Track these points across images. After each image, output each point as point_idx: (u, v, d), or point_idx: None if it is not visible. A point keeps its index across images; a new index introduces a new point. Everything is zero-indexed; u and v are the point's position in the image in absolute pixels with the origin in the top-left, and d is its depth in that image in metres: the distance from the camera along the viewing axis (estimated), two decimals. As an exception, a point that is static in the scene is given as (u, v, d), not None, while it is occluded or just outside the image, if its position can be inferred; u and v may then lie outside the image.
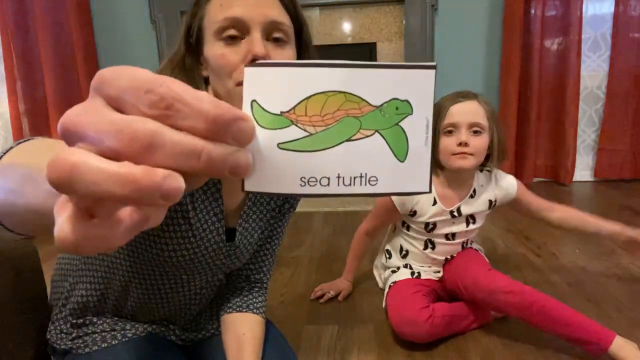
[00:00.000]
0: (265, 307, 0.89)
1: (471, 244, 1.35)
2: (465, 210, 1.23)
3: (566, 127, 2.59)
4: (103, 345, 0.80)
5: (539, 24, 2.53)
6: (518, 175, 2.70)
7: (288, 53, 0.67)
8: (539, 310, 1.07)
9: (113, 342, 0.81)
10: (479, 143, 1.13)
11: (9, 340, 0.87)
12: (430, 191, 0.29)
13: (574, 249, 1.73)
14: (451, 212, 1.23)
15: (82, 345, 0.81)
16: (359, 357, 1.11)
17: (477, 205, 1.24)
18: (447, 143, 1.13)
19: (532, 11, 2.53)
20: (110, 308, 0.83)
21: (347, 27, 2.67)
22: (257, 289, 0.89)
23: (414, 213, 1.23)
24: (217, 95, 0.67)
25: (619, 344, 1.02)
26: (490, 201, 1.25)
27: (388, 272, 1.36)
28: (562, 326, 1.06)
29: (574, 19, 2.50)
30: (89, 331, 0.83)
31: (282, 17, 0.66)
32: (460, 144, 1.11)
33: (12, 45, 2.69)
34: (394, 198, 1.24)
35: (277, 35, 0.66)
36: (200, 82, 0.69)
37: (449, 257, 1.29)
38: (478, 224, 1.26)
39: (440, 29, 2.64)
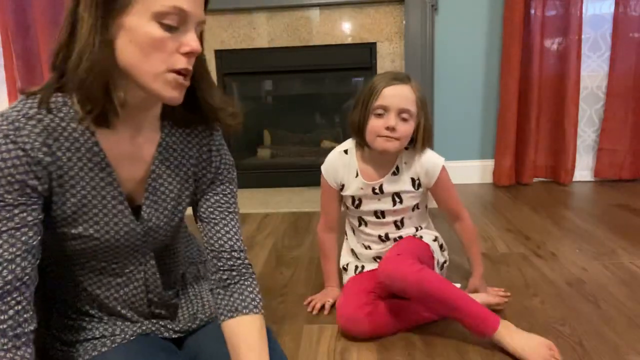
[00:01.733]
0: (258, 297, 0.87)
1: (420, 229, 1.33)
2: (388, 188, 1.24)
3: (566, 127, 2.59)
4: (94, 354, 0.81)
5: (539, 24, 2.53)
6: (518, 175, 2.70)
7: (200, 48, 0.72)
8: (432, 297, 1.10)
9: (103, 350, 0.82)
10: (406, 129, 1.16)
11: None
12: None
13: (574, 249, 1.73)
14: (373, 189, 1.25)
15: (74, 353, 0.82)
16: (359, 357, 1.11)
17: (400, 184, 1.25)
18: (376, 124, 1.17)
19: (532, 11, 2.53)
20: (86, 306, 0.85)
21: (347, 27, 2.67)
22: (239, 277, 0.87)
23: (342, 187, 1.29)
24: (131, 71, 0.68)
25: (501, 333, 1.08)
26: (413, 179, 1.25)
27: (343, 273, 1.40)
28: (451, 310, 1.10)
29: (574, 19, 2.50)
30: (81, 338, 0.83)
31: (204, 17, 0.72)
32: (388, 128, 1.15)
33: (12, 45, 2.69)
34: (324, 174, 1.30)
35: (197, 33, 0.72)
36: (110, 54, 0.67)
37: (382, 234, 1.30)
38: (406, 204, 1.26)
39: (440, 29, 2.63)
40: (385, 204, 1.27)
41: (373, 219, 1.29)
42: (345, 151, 1.29)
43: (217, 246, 0.86)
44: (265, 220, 2.23)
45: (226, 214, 0.87)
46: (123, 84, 0.70)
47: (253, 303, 0.85)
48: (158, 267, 0.88)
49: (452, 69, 2.68)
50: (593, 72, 2.68)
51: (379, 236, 1.31)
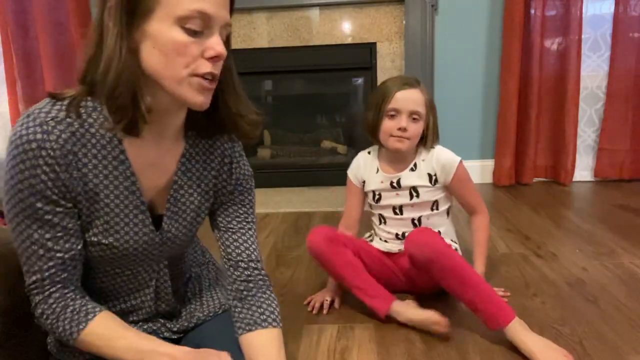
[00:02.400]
0: (276, 309, 0.87)
1: (439, 233, 1.34)
2: (406, 181, 1.31)
3: (566, 127, 2.59)
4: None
5: (539, 24, 2.53)
6: (518, 175, 2.70)
7: (226, 52, 0.72)
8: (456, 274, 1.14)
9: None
10: (416, 128, 1.26)
11: (8, 341, 0.87)
12: None
13: (574, 249, 1.73)
14: (391, 183, 1.32)
15: (77, 354, 0.82)
16: (359, 357, 1.11)
17: (417, 179, 1.31)
18: (389, 125, 1.26)
19: (532, 11, 2.53)
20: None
21: (347, 27, 2.67)
22: (256, 288, 0.87)
23: (363, 183, 1.38)
24: (157, 77, 0.68)
25: (516, 327, 1.08)
26: (430, 175, 1.31)
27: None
28: (469, 290, 1.13)
29: (574, 19, 2.50)
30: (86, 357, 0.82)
31: (230, 20, 0.72)
32: (399, 129, 1.24)
33: (12, 45, 2.69)
34: (349, 173, 1.40)
35: (223, 36, 0.71)
36: (136, 62, 0.67)
37: (399, 233, 1.35)
38: (423, 198, 1.32)
39: (440, 29, 2.64)
40: (403, 198, 1.33)
41: (391, 214, 1.35)
42: (369, 152, 1.40)
43: (234, 255, 0.87)
44: (265, 220, 2.23)
45: (244, 224, 0.88)
46: (150, 90, 0.70)
47: (272, 317, 0.85)
48: (170, 276, 0.88)
49: (452, 69, 2.68)
50: (593, 72, 2.68)
51: (396, 234, 1.36)
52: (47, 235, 0.71)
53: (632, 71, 2.58)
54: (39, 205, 0.69)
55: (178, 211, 0.82)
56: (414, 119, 1.26)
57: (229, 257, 0.87)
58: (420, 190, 1.31)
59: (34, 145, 0.67)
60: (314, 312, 1.32)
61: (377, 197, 1.36)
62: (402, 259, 1.32)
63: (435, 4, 2.58)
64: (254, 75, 2.83)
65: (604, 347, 1.11)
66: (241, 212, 0.89)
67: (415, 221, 1.34)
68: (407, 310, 1.21)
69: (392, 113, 1.26)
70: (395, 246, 1.36)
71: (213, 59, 0.69)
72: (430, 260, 1.15)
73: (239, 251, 0.87)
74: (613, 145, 2.66)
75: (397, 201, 1.34)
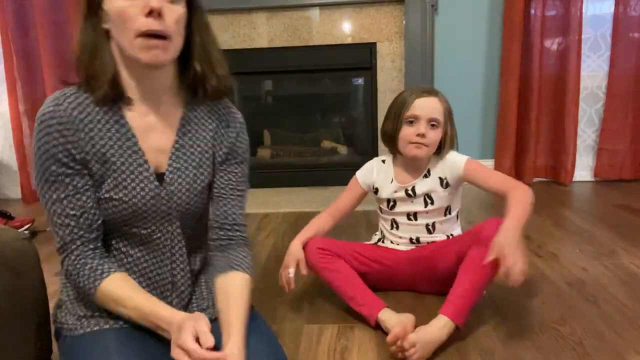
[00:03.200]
0: (250, 262, 0.93)
1: (452, 237, 1.36)
2: (420, 189, 1.32)
3: (566, 127, 2.59)
4: (95, 329, 0.84)
5: (539, 24, 2.53)
6: (518, 175, 2.70)
7: (178, 9, 0.78)
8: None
9: (105, 327, 0.84)
10: (435, 136, 1.27)
11: (8, 341, 0.87)
12: None
13: (574, 249, 1.73)
14: (406, 191, 1.32)
15: (78, 327, 0.85)
16: (359, 357, 1.11)
17: (430, 185, 1.32)
18: (408, 132, 1.27)
19: (532, 11, 2.53)
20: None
21: (347, 27, 2.67)
22: (236, 244, 0.94)
23: (376, 190, 1.38)
24: (120, 46, 0.79)
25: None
26: (441, 178, 1.32)
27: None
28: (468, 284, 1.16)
29: (574, 19, 2.50)
30: (89, 313, 0.86)
31: None
32: (418, 135, 1.25)
33: (12, 45, 2.68)
34: (359, 176, 1.40)
35: None
36: (103, 39, 0.80)
37: (413, 238, 1.35)
38: (437, 205, 1.32)
39: (440, 29, 2.63)
40: (418, 206, 1.33)
41: (405, 220, 1.35)
42: (383, 161, 1.40)
43: (221, 218, 0.93)
44: (265, 220, 2.23)
45: (235, 191, 0.94)
46: (125, 62, 0.81)
47: (245, 264, 0.91)
48: (185, 244, 0.92)
49: (452, 69, 2.68)
50: (593, 72, 2.68)
51: (410, 239, 1.36)
52: (62, 195, 0.81)
53: (632, 71, 2.58)
54: (53, 168, 0.80)
55: (180, 167, 0.88)
56: (433, 125, 1.26)
57: (216, 219, 0.93)
58: (434, 196, 1.32)
59: (47, 116, 0.79)
60: (286, 290, 1.28)
61: (391, 204, 1.36)
62: (409, 257, 1.33)
63: (435, 4, 2.58)
64: (254, 75, 2.83)
65: (604, 347, 1.11)
66: (233, 180, 0.94)
67: (430, 227, 1.34)
68: (392, 318, 1.16)
69: (411, 119, 1.26)
70: (407, 248, 1.36)
71: (150, 14, 0.74)
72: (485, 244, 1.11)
73: (226, 215, 0.93)
74: (613, 145, 2.65)
75: (412, 208, 1.34)
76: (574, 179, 2.68)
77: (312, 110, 3.10)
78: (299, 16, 2.66)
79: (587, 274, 1.51)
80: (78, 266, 0.83)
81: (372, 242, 1.44)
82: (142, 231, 0.87)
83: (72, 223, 0.82)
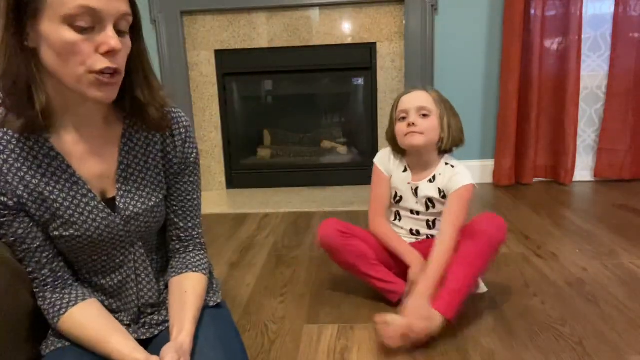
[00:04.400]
0: (207, 264, 0.96)
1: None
2: (422, 192, 1.34)
3: (566, 127, 2.59)
4: (58, 346, 0.82)
5: (539, 24, 2.53)
6: (518, 175, 2.70)
7: (128, 42, 0.73)
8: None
9: (67, 344, 0.82)
10: (427, 124, 1.28)
11: (8, 342, 0.87)
12: None
13: (574, 249, 1.73)
14: (412, 189, 1.35)
15: (44, 347, 0.84)
16: (359, 357, 1.11)
17: (432, 191, 1.33)
18: (400, 127, 1.30)
19: (532, 11, 2.53)
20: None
21: (347, 27, 2.67)
22: (193, 248, 0.95)
23: (391, 177, 1.39)
24: (58, 76, 0.69)
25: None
26: (440, 189, 1.33)
27: None
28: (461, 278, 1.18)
29: (574, 19, 2.50)
30: (53, 333, 0.85)
31: (128, 9, 0.71)
32: (409, 125, 1.27)
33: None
34: (378, 162, 1.40)
35: (122, 27, 0.71)
36: (29, 60, 0.68)
37: (413, 229, 1.38)
38: (439, 209, 1.34)
39: (440, 29, 2.63)
40: (420, 207, 1.36)
41: (409, 214, 1.39)
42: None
43: (178, 229, 0.93)
44: (265, 220, 2.23)
45: (192, 201, 0.93)
46: (55, 87, 0.72)
47: (202, 266, 0.93)
48: (150, 263, 0.90)
49: (452, 69, 2.68)
50: (593, 72, 2.68)
51: (410, 230, 1.39)
52: (9, 239, 0.77)
53: (632, 71, 2.58)
54: None
55: (131, 189, 0.83)
56: (423, 115, 1.28)
57: (174, 231, 0.93)
58: (435, 202, 1.34)
59: None
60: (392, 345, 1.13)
61: (398, 198, 1.39)
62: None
63: (435, 4, 2.58)
64: (254, 75, 2.83)
65: (604, 347, 1.11)
66: (189, 190, 0.92)
67: (430, 223, 1.37)
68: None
69: (402, 115, 1.30)
70: (407, 240, 1.39)
71: (108, 53, 0.69)
72: (489, 238, 1.18)
73: (185, 226, 0.93)
74: (613, 145, 2.65)
75: (415, 207, 1.37)
76: (574, 179, 2.68)
77: (312, 110, 3.10)
78: (299, 16, 2.66)
79: (587, 274, 1.51)
80: (40, 299, 0.82)
81: None
82: (104, 257, 0.84)
83: (25, 263, 0.80)
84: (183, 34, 2.66)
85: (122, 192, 0.83)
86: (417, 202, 1.36)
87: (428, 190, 1.33)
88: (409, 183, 1.36)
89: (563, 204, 2.33)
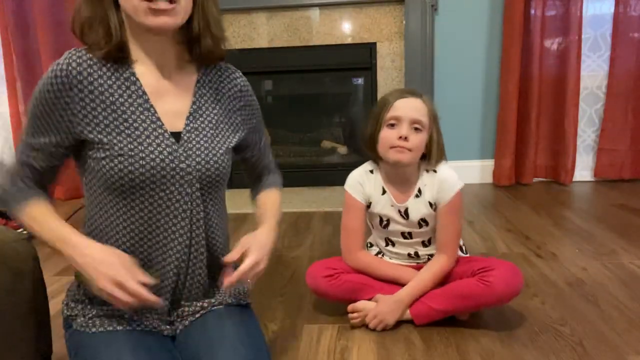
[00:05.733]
0: (280, 182, 1.12)
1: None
2: (413, 213, 1.24)
3: (566, 127, 2.59)
4: (109, 329, 0.85)
5: (539, 24, 2.53)
6: (518, 175, 2.70)
7: None
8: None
9: (118, 328, 0.86)
10: (418, 140, 1.17)
11: (8, 341, 0.87)
12: None
13: (574, 249, 1.73)
14: (399, 212, 1.25)
15: (91, 324, 0.86)
16: (359, 357, 1.11)
17: (423, 209, 1.23)
18: (388, 135, 1.17)
19: (532, 11, 2.53)
20: None
21: (347, 27, 2.67)
22: (268, 173, 1.11)
23: (369, 204, 1.28)
24: (126, 13, 0.80)
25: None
26: (431, 203, 1.23)
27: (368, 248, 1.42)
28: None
29: (574, 19, 2.50)
30: (101, 314, 0.87)
31: None
32: (400, 138, 1.15)
33: (12, 45, 2.68)
34: (350, 190, 1.28)
35: None
36: (109, 7, 0.81)
37: (411, 253, 1.30)
38: (432, 225, 1.26)
39: (440, 29, 2.63)
40: (412, 227, 1.26)
41: (401, 239, 1.29)
42: (371, 171, 1.29)
43: (257, 171, 1.11)
44: (265, 220, 2.23)
45: (263, 147, 1.07)
46: (132, 29, 0.83)
47: (277, 183, 1.11)
48: (203, 216, 0.90)
49: (452, 69, 2.68)
50: (593, 72, 2.68)
51: (409, 254, 1.31)
52: (31, 141, 0.84)
53: (632, 71, 2.58)
54: (42, 117, 0.81)
55: (197, 127, 0.89)
56: (416, 128, 1.16)
57: (253, 173, 1.11)
58: (428, 219, 1.24)
59: (55, 72, 0.80)
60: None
61: (384, 222, 1.28)
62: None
63: (435, 4, 2.58)
64: (254, 75, 2.82)
65: (604, 347, 1.11)
66: (256, 138, 1.04)
67: (425, 242, 1.29)
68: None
69: (392, 122, 1.16)
70: (410, 263, 1.31)
71: None
72: (500, 298, 1.16)
73: (261, 169, 1.10)
74: (613, 145, 2.65)
75: (406, 229, 1.27)
76: (574, 179, 2.68)
77: (312, 110, 3.10)
78: (299, 16, 2.66)
79: (587, 274, 1.51)
80: (9, 186, 0.86)
81: (375, 252, 1.38)
82: (160, 193, 0.84)
83: (22, 159, 0.85)
84: (183, 34, 2.66)
85: (188, 128, 0.88)
86: (407, 223, 1.25)
87: (418, 209, 1.23)
88: (392, 206, 1.24)
89: (563, 204, 2.33)
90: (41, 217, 0.84)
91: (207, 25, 0.86)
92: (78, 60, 0.81)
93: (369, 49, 2.69)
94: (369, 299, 1.24)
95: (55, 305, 1.42)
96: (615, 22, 2.55)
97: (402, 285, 1.24)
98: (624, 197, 2.38)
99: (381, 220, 1.28)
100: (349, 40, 2.68)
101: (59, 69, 0.80)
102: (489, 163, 2.77)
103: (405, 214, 1.24)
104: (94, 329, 0.85)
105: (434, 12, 2.59)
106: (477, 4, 2.62)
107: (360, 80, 2.89)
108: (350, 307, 1.24)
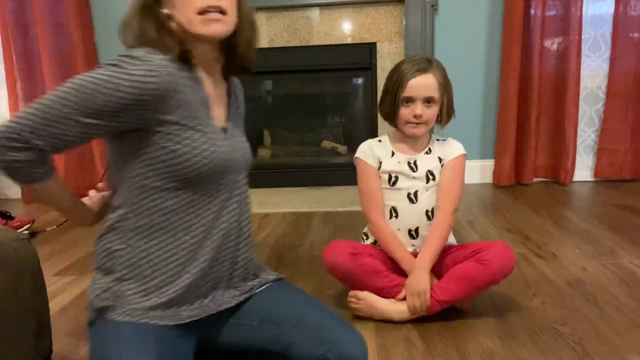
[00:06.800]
0: None
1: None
2: (422, 164, 1.34)
3: (566, 127, 2.59)
4: (142, 321, 0.85)
5: (539, 24, 2.53)
6: (518, 175, 2.70)
7: None
8: None
9: (151, 322, 0.85)
10: (431, 113, 1.30)
11: (8, 341, 0.87)
12: None
13: (574, 249, 1.73)
14: (409, 164, 1.34)
15: (119, 313, 0.85)
16: (359, 357, 1.11)
17: (432, 161, 1.35)
18: (405, 113, 1.29)
19: (532, 11, 2.53)
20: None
21: (347, 27, 2.67)
22: None
23: (380, 164, 1.36)
24: (180, 26, 0.87)
25: None
26: (440, 158, 1.36)
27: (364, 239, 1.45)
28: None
29: (574, 19, 2.50)
30: (126, 306, 0.86)
31: None
32: (415, 116, 1.28)
33: (12, 45, 2.68)
34: (361, 155, 1.38)
35: None
36: (164, 19, 0.88)
37: (412, 229, 1.33)
38: (438, 180, 1.34)
39: (440, 29, 2.63)
40: (419, 182, 1.33)
41: (406, 204, 1.33)
42: (379, 140, 1.41)
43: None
44: (265, 220, 2.23)
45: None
46: (189, 40, 0.89)
47: None
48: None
49: (452, 69, 2.66)
50: (593, 72, 2.68)
51: (409, 230, 1.33)
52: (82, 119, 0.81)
53: (632, 71, 2.58)
54: (111, 101, 0.80)
55: (236, 124, 1.03)
56: (429, 102, 1.29)
57: None
58: (435, 172, 1.33)
59: (140, 61, 0.82)
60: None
61: (393, 179, 1.34)
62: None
63: (435, 4, 2.58)
64: (254, 75, 2.82)
65: (604, 347, 1.11)
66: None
67: (429, 212, 1.32)
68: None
69: (407, 100, 1.29)
70: (409, 245, 1.34)
71: None
72: (494, 273, 1.21)
73: None
74: (613, 145, 2.65)
75: (413, 184, 1.33)
76: (574, 179, 2.68)
77: (312, 110, 3.10)
78: (299, 16, 2.66)
79: (587, 274, 1.51)
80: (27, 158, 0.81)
81: (370, 242, 1.41)
82: (220, 181, 0.93)
83: (55, 133, 0.80)
84: (183, 34, 2.66)
85: (230, 124, 1.00)
86: (415, 178, 1.33)
87: (427, 162, 1.34)
88: (401, 162, 1.34)
89: (563, 204, 2.33)
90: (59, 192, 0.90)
91: (241, 37, 0.97)
92: (167, 62, 0.85)
93: (369, 49, 2.69)
94: (393, 298, 1.28)
95: (55, 305, 1.43)
96: (615, 22, 2.55)
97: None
98: (623, 197, 2.38)
99: (390, 177, 1.35)
100: (349, 40, 2.68)
101: (152, 61, 0.82)
102: (489, 163, 2.77)
103: (414, 166, 1.34)
104: (124, 318, 0.84)
105: (434, 12, 2.59)
106: (477, 4, 2.62)
107: (360, 80, 2.89)
108: (352, 292, 1.29)
